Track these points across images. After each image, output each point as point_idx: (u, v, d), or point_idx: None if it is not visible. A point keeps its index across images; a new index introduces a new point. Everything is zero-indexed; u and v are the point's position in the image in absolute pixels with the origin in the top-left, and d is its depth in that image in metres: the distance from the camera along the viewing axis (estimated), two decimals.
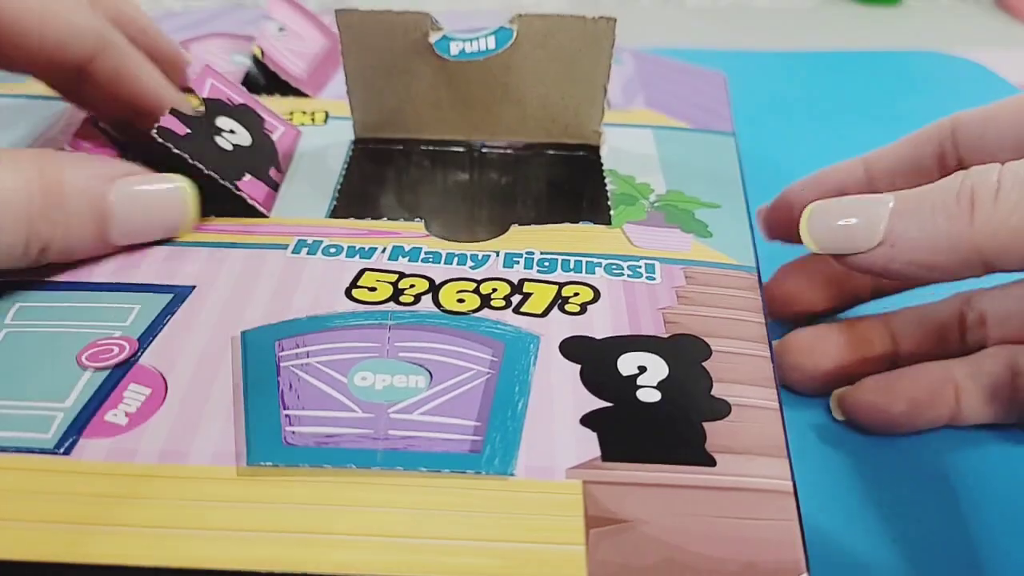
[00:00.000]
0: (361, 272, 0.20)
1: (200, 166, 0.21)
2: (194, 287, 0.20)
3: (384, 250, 0.21)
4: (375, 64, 0.24)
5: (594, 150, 0.25)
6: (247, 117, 0.24)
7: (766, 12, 0.88)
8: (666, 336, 0.19)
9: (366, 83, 0.24)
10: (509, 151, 0.25)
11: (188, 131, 0.22)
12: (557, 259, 0.21)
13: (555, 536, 0.15)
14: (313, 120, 0.27)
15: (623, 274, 0.20)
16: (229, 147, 0.23)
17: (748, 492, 0.16)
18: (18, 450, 0.16)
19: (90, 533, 0.15)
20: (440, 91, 0.24)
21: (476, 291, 0.20)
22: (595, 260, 0.21)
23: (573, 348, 0.18)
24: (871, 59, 0.48)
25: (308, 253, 0.21)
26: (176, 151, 0.21)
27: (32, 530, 0.15)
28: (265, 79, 0.28)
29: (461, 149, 0.25)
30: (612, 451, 0.16)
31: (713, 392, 0.18)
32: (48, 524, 0.15)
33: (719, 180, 0.24)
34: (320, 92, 0.28)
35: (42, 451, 0.16)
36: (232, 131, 0.23)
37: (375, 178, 0.24)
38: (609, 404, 0.17)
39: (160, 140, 0.21)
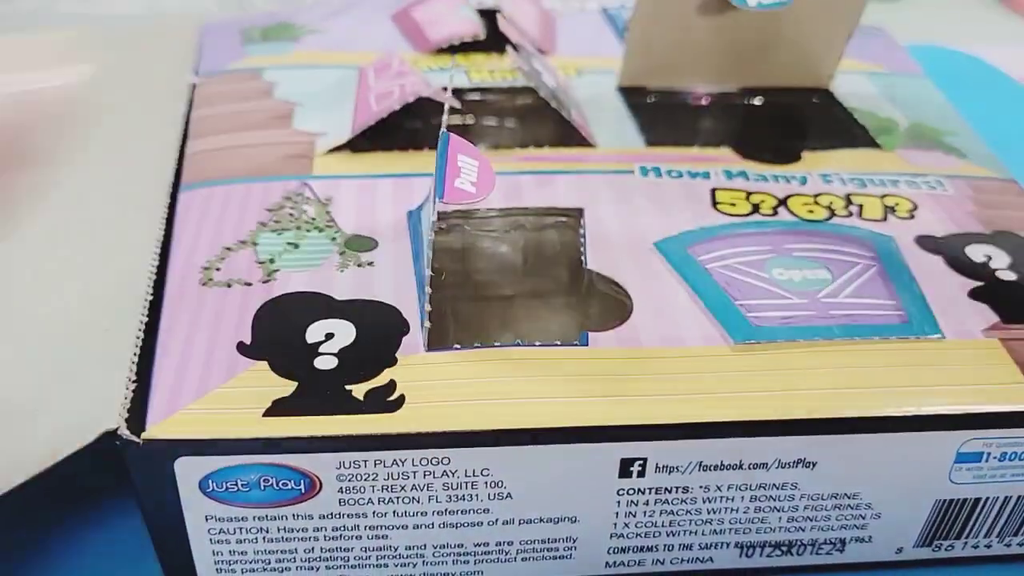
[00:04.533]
0: (712, 190, 0.23)
1: (545, 97, 0.24)
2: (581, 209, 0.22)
3: (717, 172, 0.24)
4: (662, 13, 0.26)
5: (827, 92, 0.28)
6: (546, 62, 0.26)
7: None
8: (988, 232, 0.22)
9: (646, 31, 0.26)
10: (756, 94, 0.28)
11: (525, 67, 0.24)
12: (861, 177, 0.24)
13: (996, 379, 0.18)
14: (566, 73, 0.29)
15: (922, 187, 0.24)
16: (553, 84, 0.25)
17: None
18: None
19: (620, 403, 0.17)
20: (714, 39, 0.27)
21: (817, 203, 0.23)
22: (892, 177, 0.24)
23: (927, 243, 0.22)
24: None
25: (655, 176, 0.24)
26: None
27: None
28: (490, 36, 0.30)
29: (728, 92, 0.28)
30: (1009, 316, 0.20)
31: None
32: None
33: (941, 112, 0.28)
34: (553, 51, 0.30)
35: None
36: (540, 72, 0.25)
37: (667, 118, 0.27)
38: (981, 283, 0.21)
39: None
